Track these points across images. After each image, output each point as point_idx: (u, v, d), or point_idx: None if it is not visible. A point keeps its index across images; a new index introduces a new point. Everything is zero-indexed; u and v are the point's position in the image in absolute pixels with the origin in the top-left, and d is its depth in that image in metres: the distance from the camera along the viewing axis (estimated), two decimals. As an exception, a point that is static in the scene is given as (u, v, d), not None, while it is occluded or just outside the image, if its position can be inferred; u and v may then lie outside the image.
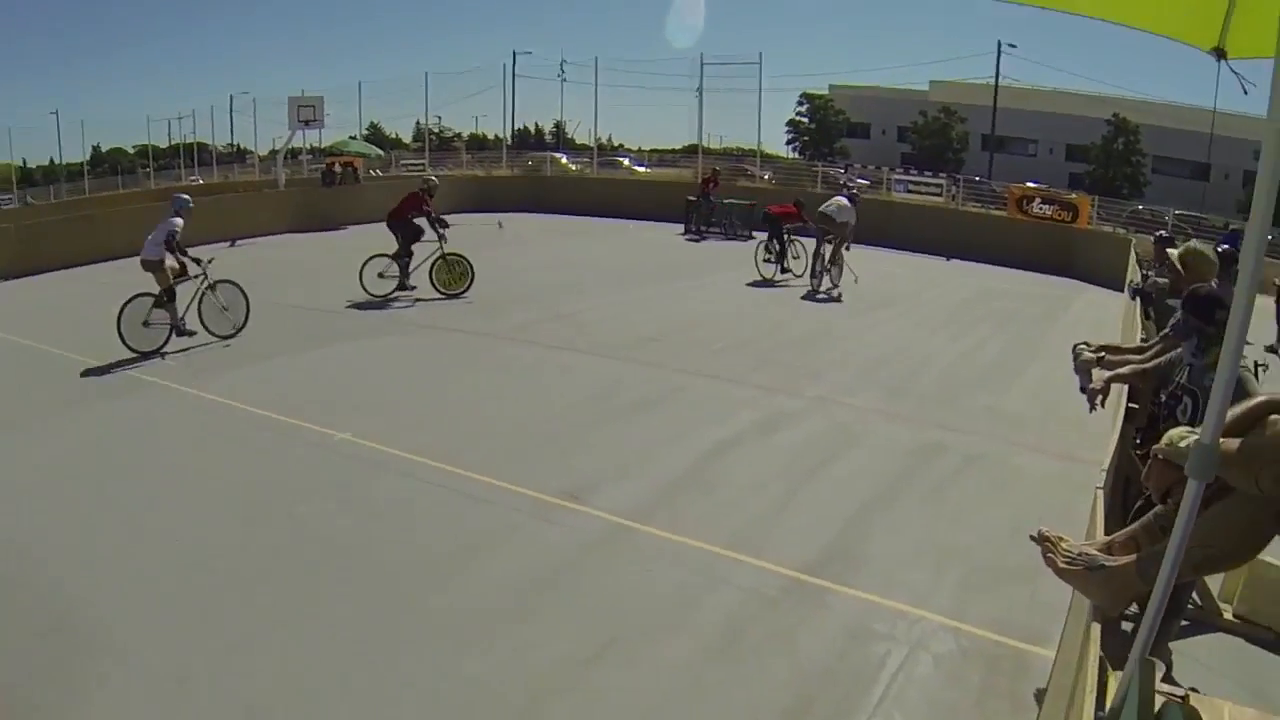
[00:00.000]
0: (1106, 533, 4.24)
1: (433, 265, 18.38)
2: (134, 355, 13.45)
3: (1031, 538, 4.16)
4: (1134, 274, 14.55)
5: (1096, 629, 3.49)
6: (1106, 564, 3.81)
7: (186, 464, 9.81)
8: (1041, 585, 6.16)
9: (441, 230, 18.10)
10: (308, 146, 49.98)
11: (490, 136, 71.78)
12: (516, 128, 59.51)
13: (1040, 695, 5.31)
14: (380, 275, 18.15)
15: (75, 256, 26.97)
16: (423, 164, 44.58)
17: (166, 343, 14.18)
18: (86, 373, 13.41)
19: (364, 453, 9.68)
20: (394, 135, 74.84)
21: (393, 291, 18.11)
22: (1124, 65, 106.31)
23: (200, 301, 14.94)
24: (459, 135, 72.79)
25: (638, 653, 5.81)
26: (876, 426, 10.25)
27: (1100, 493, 4.66)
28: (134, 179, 64.62)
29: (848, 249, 19.48)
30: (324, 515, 8.21)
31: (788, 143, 75.48)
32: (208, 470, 9.57)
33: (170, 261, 14.17)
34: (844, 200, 19.38)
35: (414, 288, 18.32)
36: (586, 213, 33.38)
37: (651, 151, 49.97)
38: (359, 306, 17.67)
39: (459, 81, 79.09)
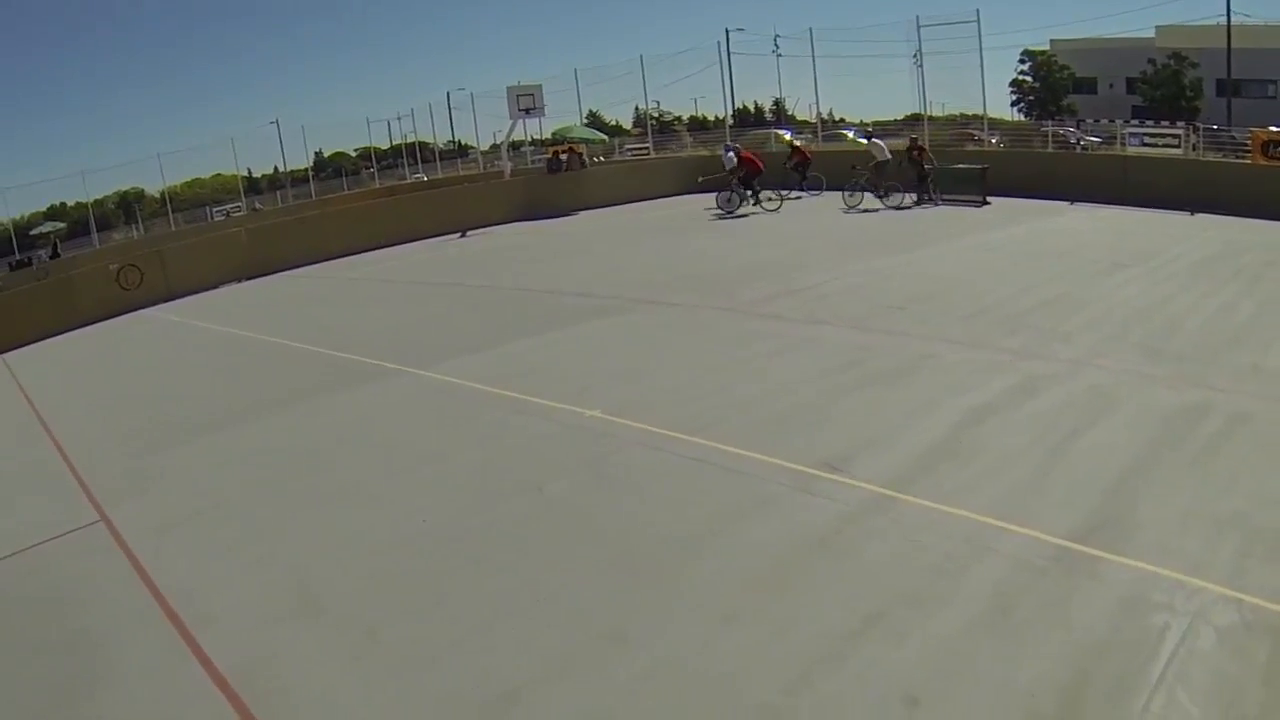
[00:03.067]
0: None
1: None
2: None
3: None
4: None
5: None
6: None
7: (432, 443, 10.37)
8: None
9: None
10: (529, 138, 51.12)
11: (710, 117, 71.71)
12: (736, 107, 59.23)
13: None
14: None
15: (300, 257, 28.50)
16: (646, 148, 45.03)
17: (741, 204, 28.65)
18: (327, 363, 14.26)
19: (614, 429, 9.95)
20: (614, 121, 75.45)
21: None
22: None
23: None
24: (679, 118, 73.13)
25: (906, 625, 5.80)
26: (1135, 388, 9.82)
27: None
28: (358, 180, 67.38)
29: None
30: (575, 491, 8.51)
31: (1013, 104, 72.72)
32: (453, 449, 10.09)
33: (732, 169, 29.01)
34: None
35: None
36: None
37: (874, 123, 49.08)
38: (595, 288, 18.12)
39: (674, 64, 78.72)
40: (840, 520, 7.32)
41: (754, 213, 28.60)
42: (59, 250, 46.47)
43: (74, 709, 6.01)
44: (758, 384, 11.09)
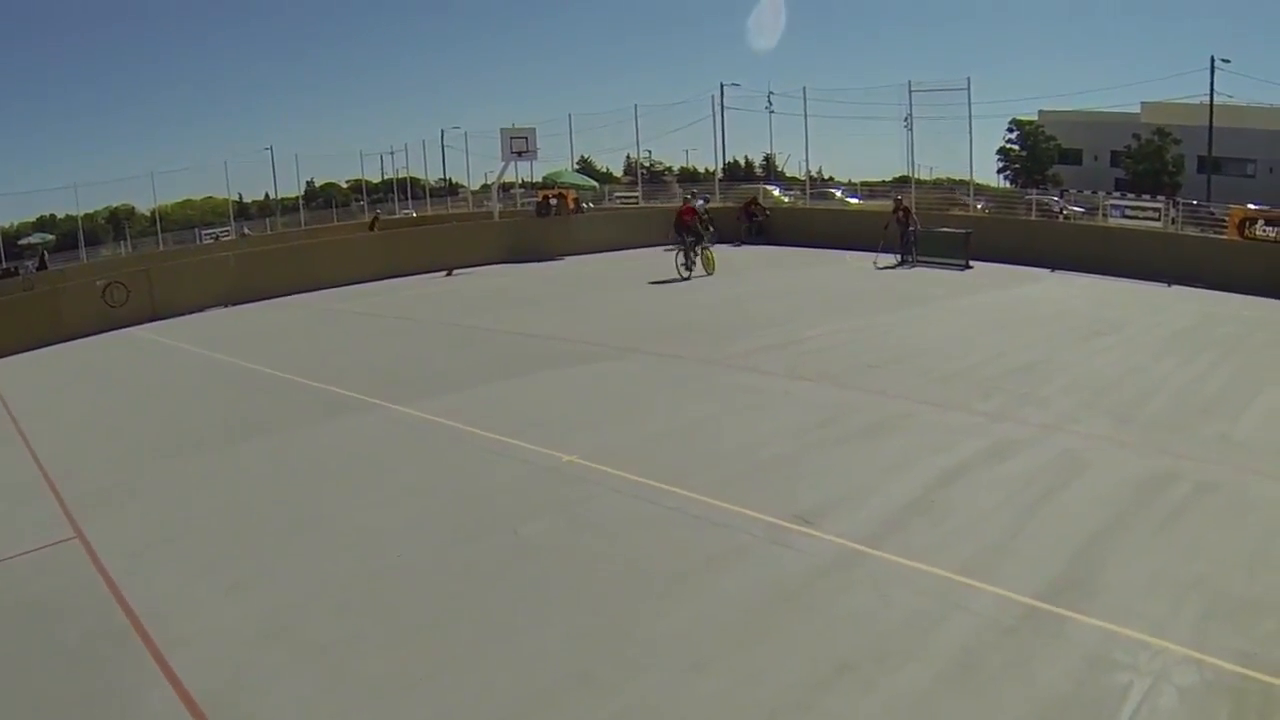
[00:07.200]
0: None
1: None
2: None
3: None
4: None
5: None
6: None
7: (408, 479, 10.38)
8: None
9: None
10: (519, 180, 51.22)
11: (701, 169, 72.24)
12: (727, 160, 59.52)
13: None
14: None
15: (287, 286, 28.57)
16: (635, 196, 45.29)
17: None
18: (307, 393, 14.43)
19: (591, 475, 9.99)
20: (605, 168, 75.83)
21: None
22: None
23: None
24: (669, 168, 73.60)
25: (873, 679, 5.85)
26: (1105, 454, 9.96)
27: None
28: (348, 212, 67.69)
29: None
30: (549, 535, 8.54)
31: (999, 171, 73.71)
32: (430, 486, 10.10)
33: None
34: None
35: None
36: (799, 243, 33.41)
37: (862, 184, 49.54)
38: (577, 333, 18.23)
39: (668, 114, 78.98)
40: (811, 573, 7.39)
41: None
42: (46, 262, 46.40)
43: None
44: (735, 437, 11.18)
